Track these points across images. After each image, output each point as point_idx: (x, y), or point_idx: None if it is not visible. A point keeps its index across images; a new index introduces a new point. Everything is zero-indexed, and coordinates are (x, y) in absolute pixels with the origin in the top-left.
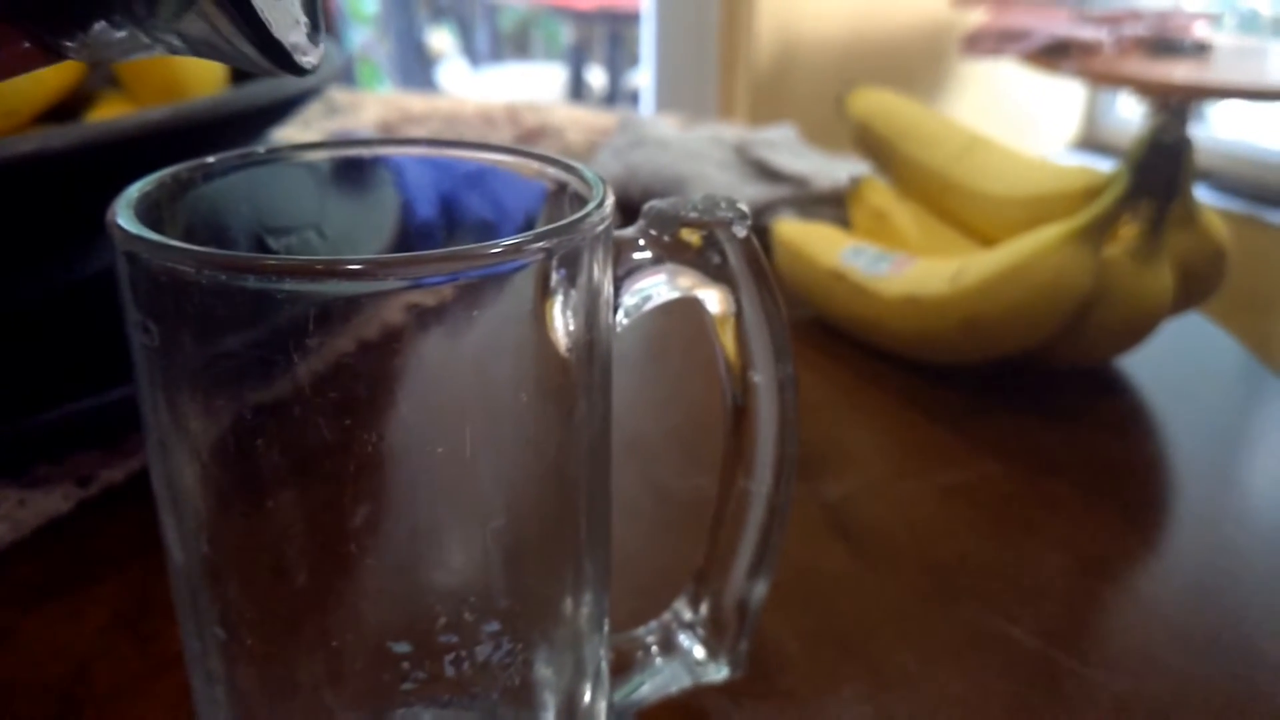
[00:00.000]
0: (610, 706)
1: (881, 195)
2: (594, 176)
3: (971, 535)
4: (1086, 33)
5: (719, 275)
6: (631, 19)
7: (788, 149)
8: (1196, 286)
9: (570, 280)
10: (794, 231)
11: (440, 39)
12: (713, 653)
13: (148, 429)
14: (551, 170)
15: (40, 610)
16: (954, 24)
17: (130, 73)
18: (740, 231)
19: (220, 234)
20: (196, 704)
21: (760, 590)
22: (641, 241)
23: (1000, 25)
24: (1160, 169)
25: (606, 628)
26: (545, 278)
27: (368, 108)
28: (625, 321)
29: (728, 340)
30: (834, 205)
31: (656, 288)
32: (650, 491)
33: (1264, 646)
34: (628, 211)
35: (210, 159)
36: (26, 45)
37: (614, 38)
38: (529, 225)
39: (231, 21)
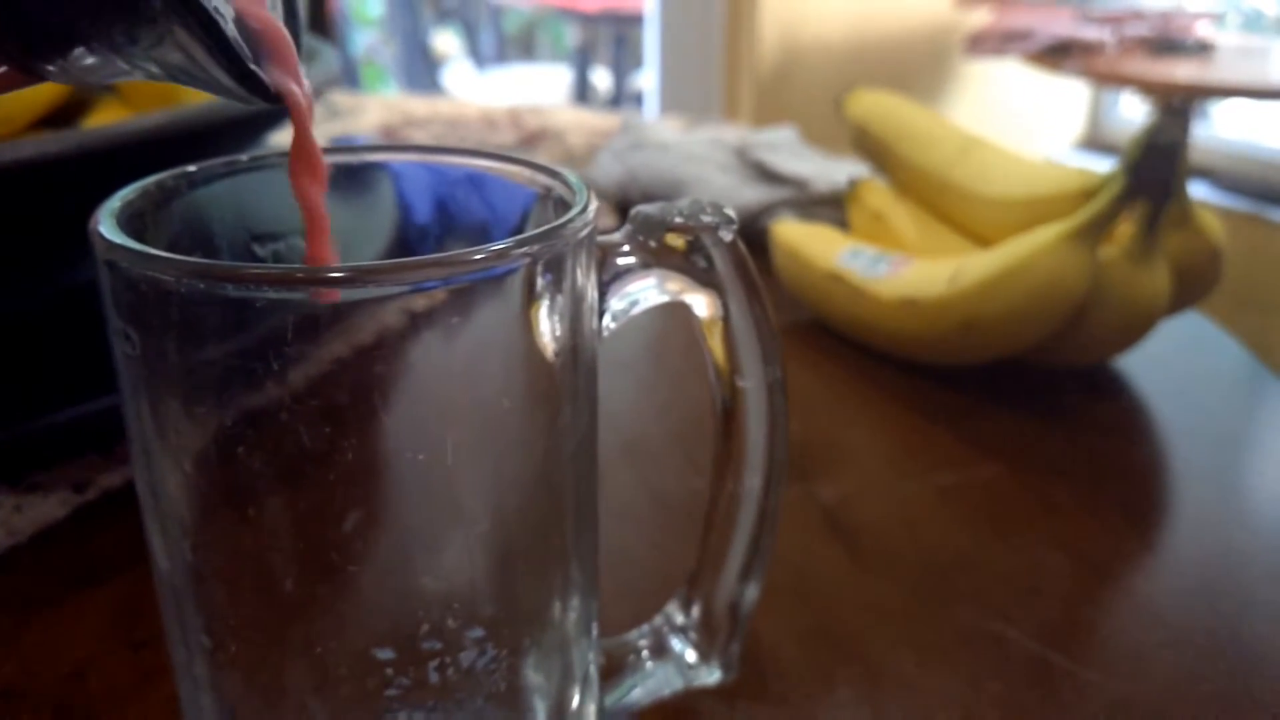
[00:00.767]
0: (600, 710)
1: (879, 197)
2: (578, 182)
3: (968, 536)
4: (1089, 33)
5: (706, 280)
6: (636, 21)
7: (788, 151)
8: (1193, 286)
9: (555, 285)
10: (792, 233)
11: (445, 41)
12: (705, 656)
13: (131, 437)
14: (537, 176)
15: (37, 616)
16: (957, 25)
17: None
18: (726, 236)
19: (206, 242)
20: (184, 711)
21: (752, 593)
22: (627, 246)
23: (1003, 26)
24: (1156, 170)
25: (595, 632)
26: (529, 284)
27: (369, 111)
28: (612, 326)
29: (716, 344)
30: (834, 207)
31: (644, 292)
32: (647, 494)
33: (1261, 648)
34: (629, 214)
35: (193, 167)
36: (4, 69)
37: (619, 40)
38: (522, 229)
39: (207, 51)
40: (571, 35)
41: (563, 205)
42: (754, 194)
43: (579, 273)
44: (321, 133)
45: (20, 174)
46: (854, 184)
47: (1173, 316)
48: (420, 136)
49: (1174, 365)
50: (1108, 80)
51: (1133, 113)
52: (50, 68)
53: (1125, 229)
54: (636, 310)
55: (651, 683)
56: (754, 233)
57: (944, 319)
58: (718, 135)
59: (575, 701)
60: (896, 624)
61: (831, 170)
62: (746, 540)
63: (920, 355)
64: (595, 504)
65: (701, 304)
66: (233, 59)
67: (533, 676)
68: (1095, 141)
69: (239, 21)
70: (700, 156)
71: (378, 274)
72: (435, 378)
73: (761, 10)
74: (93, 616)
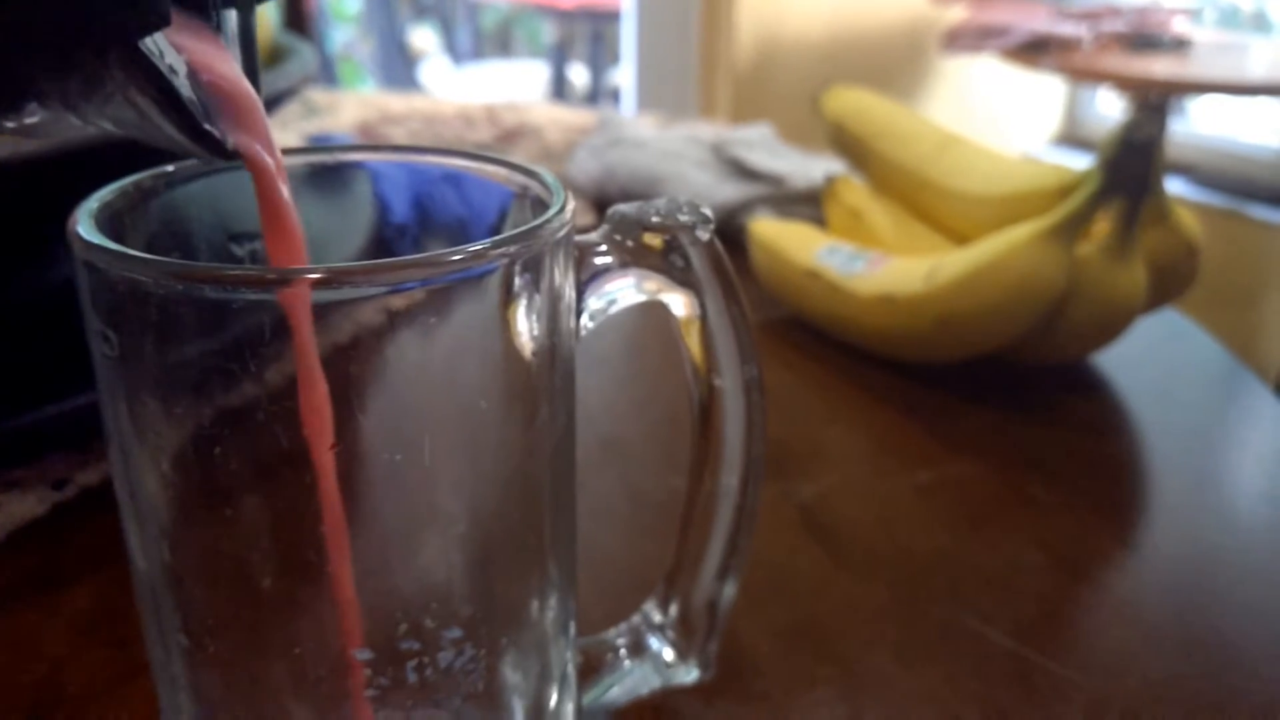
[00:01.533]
0: (578, 709)
1: (857, 194)
2: (555, 181)
3: (946, 534)
4: (1066, 29)
5: (683, 279)
6: (613, 17)
7: (765, 148)
8: (1169, 283)
9: (532, 285)
10: (770, 230)
11: (422, 38)
12: (682, 654)
13: (109, 437)
14: (514, 175)
15: (14, 613)
16: (934, 21)
17: None
18: (703, 235)
19: (184, 241)
20: (162, 710)
21: (729, 591)
22: (604, 246)
23: (980, 22)
24: (1132, 167)
25: (573, 631)
26: (507, 284)
27: (346, 108)
28: (590, 325)
29: (693, 343)
30: (811, 204)
31: (621, 292)
32: (625, 493)
33: (1239, 645)
34: (606, 211)
35: (171, 167)
36: None
37: (596, 36)
38: (499, 227)
39: (160, 110)
40: (548, 32)
41: (540, 204)
42: (731, 191)
43: (557, 273)
44: (299, 130)
45: None
46: (831, 181)
47: (1150, 313)
48: (398, 133)
49: (1151, 362)
50: (1084, 76)
51: (1109, 109)
52: (5, 122)
53: (1102, 226)
54: (614, 310)
55: (629, 681)
56: (731, 230)
57: (921, 316)
58: (694, 132)
59: (553, 701)
60: (875, 622)
61: (809, 167)
62: (724, 538)
63: (898, 352)
64: (573, 503)
65: (679, 303)
66: (184, 115)
67: (511, 676)
68: (1072, 138)
69: (195, 78)
70: (677, 153)
71: (355, 275)
72: (413, 378)
73: (738, 7)
74: (71, 613)
